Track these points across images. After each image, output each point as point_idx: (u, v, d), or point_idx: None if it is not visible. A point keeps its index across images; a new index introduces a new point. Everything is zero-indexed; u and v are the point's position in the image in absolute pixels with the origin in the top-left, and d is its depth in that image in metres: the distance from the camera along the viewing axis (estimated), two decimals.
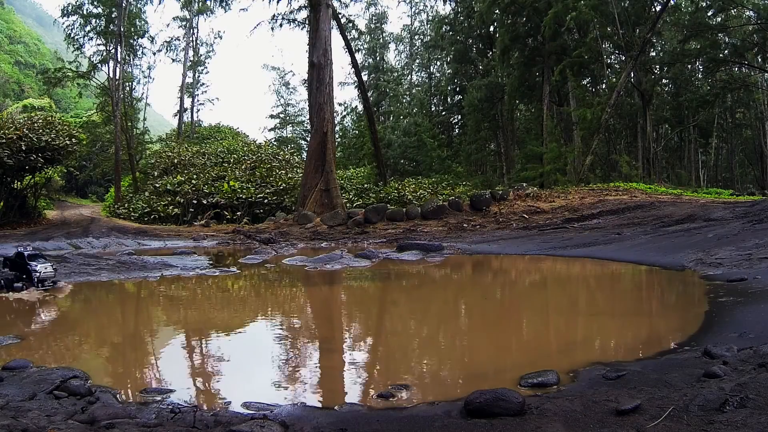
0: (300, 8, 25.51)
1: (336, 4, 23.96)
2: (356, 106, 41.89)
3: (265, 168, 25.45)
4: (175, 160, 27.93)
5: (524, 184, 20.05)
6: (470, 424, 2.13)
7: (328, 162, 19.83)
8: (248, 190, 22.57)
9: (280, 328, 4.54)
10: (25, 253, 5.82)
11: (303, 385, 2.83)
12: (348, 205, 20.61)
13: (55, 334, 4.17)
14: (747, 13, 25.48)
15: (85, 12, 29.30)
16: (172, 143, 35.50)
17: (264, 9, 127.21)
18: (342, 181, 23.93)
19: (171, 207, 22.68)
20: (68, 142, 19.42)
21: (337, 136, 31.61)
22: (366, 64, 39.19)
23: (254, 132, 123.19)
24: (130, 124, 32.19)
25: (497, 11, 27.41)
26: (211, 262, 9.44)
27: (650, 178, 22.76)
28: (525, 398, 2.27)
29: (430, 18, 40.60)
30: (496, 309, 5.43)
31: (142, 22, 32.84)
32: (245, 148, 31.35)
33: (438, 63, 40.54)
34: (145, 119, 39.32)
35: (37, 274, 5.64)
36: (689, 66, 28.87)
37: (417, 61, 43.25)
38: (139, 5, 31.89)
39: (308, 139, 25.56)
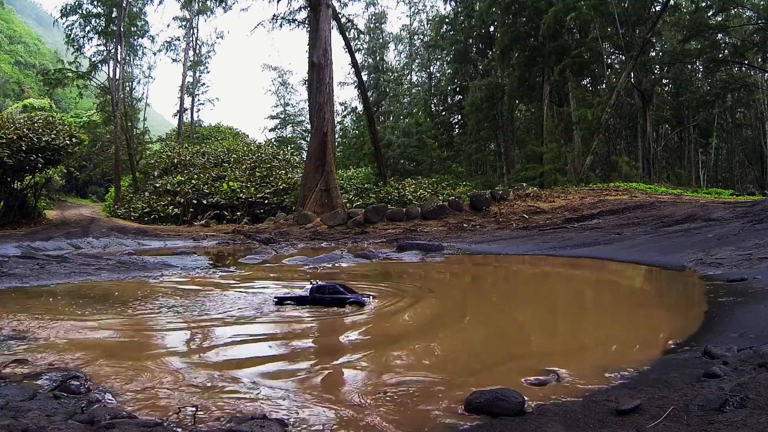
0: (300, 8, 25.55)
1: (336, 4, 23.99)
2: (356, 106, 41.97)
3: (265, 168, 25.47)
4: (175, 160, 27.96)
5: (524, 184, 20.08)
6: (471, 424, 2.13)
7: (328, 162, 19.84)
8: (248, 190, 22.58)
9: (272, 329, 4.53)
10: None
11: (302, 385, 2.83)
12: (348, 205, 20.61)
13: None
14: (747, 13, 25.48)
15: (84, 12, 29.32)
16: (172, 143, 35.56)
17: (264, 9, 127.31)
18: (342, 181, 23.94)
19: (171, 207, 22.70)
20: (68, 142, 19.44)
21: (337, 136, 31.62)
22: (366, 64, 39.21)
23: (254, 132, 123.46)
24: (130, 124, 32.23)
25: (497, 11, 27.43)
26: (211, 263, 9.44)
27: (650, 178, 22.78)
28: (525, 398, 2.27)
29: (430, 18, 40.67)
30: (494, 309, 5.42)
31: (143, 22, 32.90)
32: (245, 148, 31.39)
33: (438, 63, 40.59)
34: (145, 119, 39.39)
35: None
36: (689, 66, 28.90)
37: (417, 61, 43.29)
38: (139, 5, 31.94)
39: (308, 139, 25.59)
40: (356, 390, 2.67)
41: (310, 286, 5.17)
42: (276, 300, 5.14)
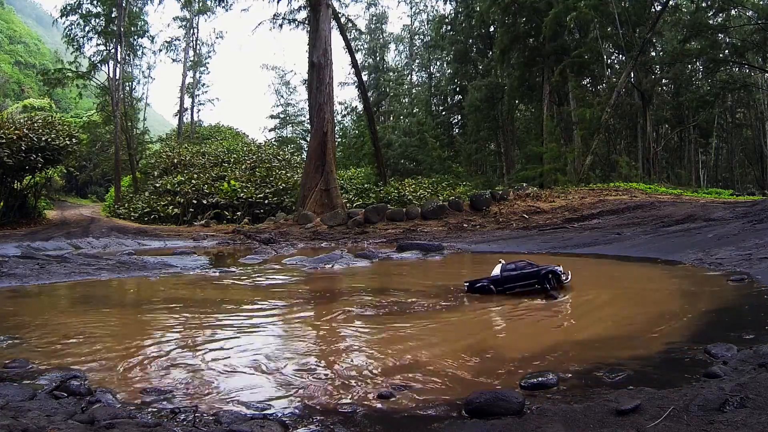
0: (300, 8, 25.57)
1: (336, 4, 24.00)
2: (356, 106, 41.97)
3: (265, 168, 25.48)
4: (175, 160, 27.97)
5: (524, 184, 20.06)
6: (470, 424, 2.13)
7: (328, 162, 19.84)
8: (248, 190, 22.58)
9: (273, 328, 4.53)
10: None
11: (301, 385, 2.83)
12: (348, 205, 20.62)
13: None
14: (747, 13, 25.47)
15: (84, 11, 29.31)
16: (172, 143, 35.56)
17: (264, 9, 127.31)
18: (342, 181, 23.94)
19: (171, 207, 22.70)
20: (68, 142, 19.44)
21: (337, 136, 31.62)
22: (366, 64, 39.22)
23: (254, 132, 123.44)
24: (130, 124, 32.22)
25: (497, 11, 27.43)
26: (211, 262, 9.44)
27: (650, 178, 22.75)
28: (525, 398, 2.27)
29: (430, 18, 40.68)
30: (491, 309, 5.41)
31: (143, 22, 32.89)
32: (245, 148, 31.40)
33: (438, 63, 40.59)
34: (145, 119, 39.39)
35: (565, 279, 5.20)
36: (689, 66, 28.88)
37: (417, 61, 43.31)
38: (139, 5, 31.94)
39: (308, 139, 25.58)
40: None
41: (500, 266, 5.24)
42: (468, 285, 5.26)
